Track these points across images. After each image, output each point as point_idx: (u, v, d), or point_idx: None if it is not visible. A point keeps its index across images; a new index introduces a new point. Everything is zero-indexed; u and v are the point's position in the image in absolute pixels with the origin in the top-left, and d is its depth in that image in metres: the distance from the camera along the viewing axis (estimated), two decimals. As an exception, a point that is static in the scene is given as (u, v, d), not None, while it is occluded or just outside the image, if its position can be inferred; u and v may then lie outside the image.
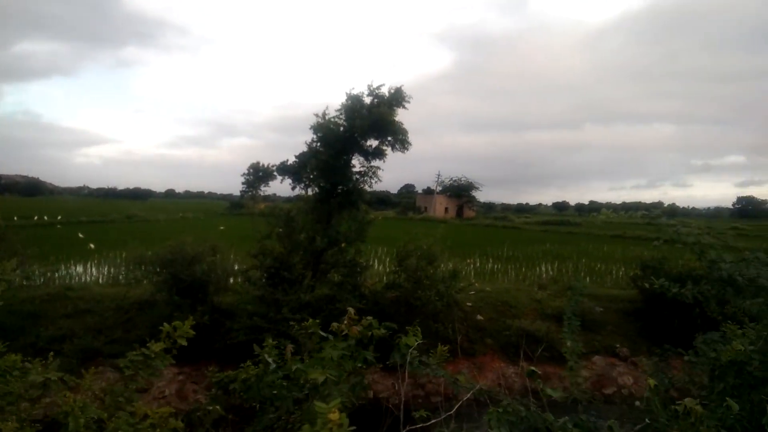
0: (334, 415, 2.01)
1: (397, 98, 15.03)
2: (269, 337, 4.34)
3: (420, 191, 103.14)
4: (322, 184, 15.01)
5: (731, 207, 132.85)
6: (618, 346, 15.13)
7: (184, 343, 3.23)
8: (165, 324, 3.29)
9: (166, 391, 12.34)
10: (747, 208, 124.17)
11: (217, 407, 3.77)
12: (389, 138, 15.09)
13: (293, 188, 16.06)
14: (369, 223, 15.25)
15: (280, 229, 14.62)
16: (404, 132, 15.05)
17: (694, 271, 15.57)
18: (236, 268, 16.49)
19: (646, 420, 3.24)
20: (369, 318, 4.53)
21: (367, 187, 15.48)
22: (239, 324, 12.75)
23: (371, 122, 14.51)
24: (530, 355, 14.17)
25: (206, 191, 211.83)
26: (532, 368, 3.36)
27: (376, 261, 24.07)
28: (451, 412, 3.81)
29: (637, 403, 3.72)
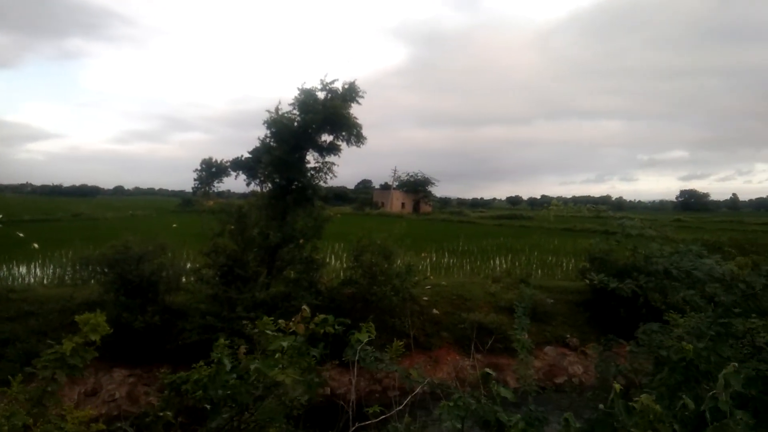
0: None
1: (351, 93, 15.04)
2: (223, 336, 4.30)
3: (377, 187, 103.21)
4: (276, 180, 14.86)
5: (675, 200, 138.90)
6: (568, 336, 15.63)
7: (95, 338, 3.10)
8: (77, 317, 3.17)
9: (116, 394, 11.99)
10: (689, 201, 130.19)
11: (168, 413, 3.69)
12: (344, 133, 15.08)
13: (248, 184, 15.86)
14: (326, 220, 15.17)
15: (233, 226, 14.40)
16: (358, 126, 15.08)
17: (638, 262, 16.25)
18: (188, 266, 16.13)
19: (600, 406, 3.38)
20: (322, 315, 4.55)
21: (322, 183, 15.43)
22: (192, 324, 12.50)
23: (324, 117, 14.48)
24: (481, 347, 14.50)
25: (157, 188, 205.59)
26: (487, 370, 3.45)
27: (333, 257, 24.00)
28: (401, 407, 3.86)
29: (589, 394, 3.87)
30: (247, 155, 15.70)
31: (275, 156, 14.46)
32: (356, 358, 4.04)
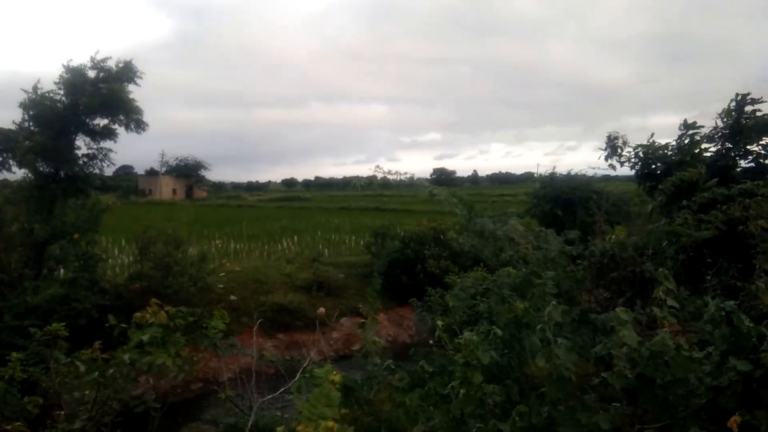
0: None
1: (127, 72, 13.87)
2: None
3: (142, 173, 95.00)
4: (40, 169, 13.00)
5: (429, 177, 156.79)
6: (360, 306, 16.93)
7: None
8: None
9: None
10: (441, 178, 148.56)
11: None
12: (121, 117, 13.88)
13: (-6, 173, 13.56)
14: (102, 211, 13.82)
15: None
16: (139, 111, 14.05)
17: (417, 234, 18.51)
18: None
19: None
20: (168, 306, 4.49)
21: (97, 171, 14.01)
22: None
23: (100, 99, 13.18)
24: (286, 326, 14.99)
25: None
26: (367, 320, 3.86)
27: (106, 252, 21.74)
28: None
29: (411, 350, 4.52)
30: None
31: (37, 142, 12.59)
32: (211, 345, 4.14)
